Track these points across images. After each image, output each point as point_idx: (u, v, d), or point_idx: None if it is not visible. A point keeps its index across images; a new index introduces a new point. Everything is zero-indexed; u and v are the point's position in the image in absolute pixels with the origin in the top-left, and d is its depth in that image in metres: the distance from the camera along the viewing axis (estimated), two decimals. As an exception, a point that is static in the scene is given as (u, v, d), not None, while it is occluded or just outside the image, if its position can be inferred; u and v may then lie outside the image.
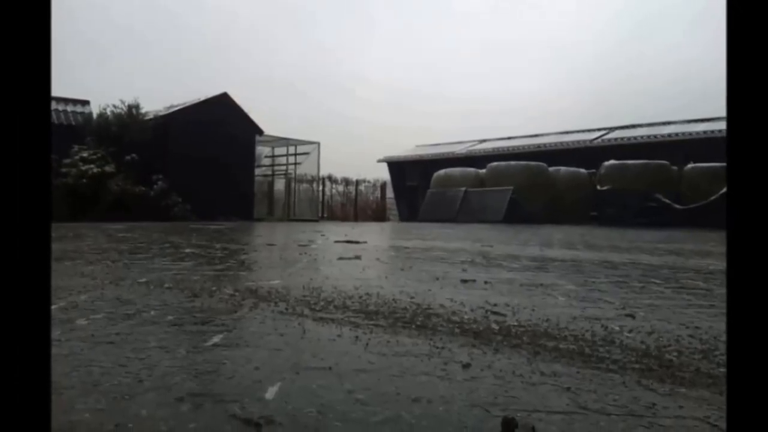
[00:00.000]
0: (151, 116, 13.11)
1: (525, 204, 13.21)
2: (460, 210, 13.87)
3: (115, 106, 12.88)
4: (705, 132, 16.31)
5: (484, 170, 14.91)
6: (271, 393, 0.92)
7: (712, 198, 10.55)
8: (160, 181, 11.86)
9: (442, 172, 15.79)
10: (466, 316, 1.58)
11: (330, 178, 19.42)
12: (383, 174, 22.64)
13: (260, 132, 14.57)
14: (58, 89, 12.86)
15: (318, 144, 17.41)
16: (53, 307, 1.59)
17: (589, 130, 19.98)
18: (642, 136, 17.72)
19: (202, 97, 13.79)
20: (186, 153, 12.30)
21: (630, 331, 1.44)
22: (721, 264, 3.28)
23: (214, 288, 1.98)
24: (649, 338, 1.37)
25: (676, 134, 17.04)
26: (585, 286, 2.26)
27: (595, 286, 2.27)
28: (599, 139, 18.53)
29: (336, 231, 6.56)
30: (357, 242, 4.63)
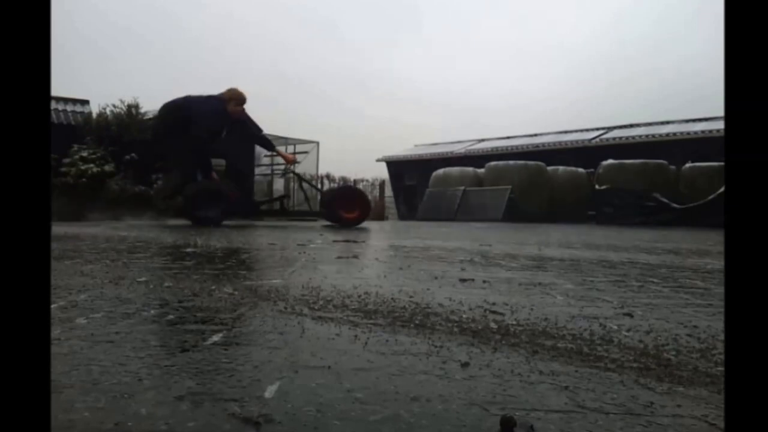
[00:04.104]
0: (150, 116, 13.11)
1: (523, 203, 13.21)
2: (458, 209, 13.87)
3: (114, 106, 12.88)
4: (703, 131, 16.32)
5: (482, 170, 14.91)
6: (270, 392, 0.92)
7: (711, 197, 10.56)
8: (160, 180, 11.85)
9: (440, 171, 15.80)
10: (464, 315, 1.58)
11: (329, 177, 19.43)
12: (382, 173, 22.62)
13: (260, 131, 14.53)
14: (58, 89, 12.84)
15: (317, 143, 17.41)
16: (53, 306, 1.59)
17: (587, 130, 20.00)
18: (640, 136, 17.74)
19: (202, 97, 13.76)
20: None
21: (628, 330, 1.45)
22: (719, 263, 3.29)
23: (213, 287, 1.98)
24: (647, 337, 1.38)
25: (675, 134, 17.06)
26: (583, 285, 2.27)
27: (593, 285, 2.27)
28: (597, 139, 18.54)
29: (335, 230, 6.56)
30: (356, 241, 4.63)
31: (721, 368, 1.11)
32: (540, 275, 2.58)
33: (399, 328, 1.42)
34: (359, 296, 1.85)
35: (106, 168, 11.69)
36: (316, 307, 1.66)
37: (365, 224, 7.96)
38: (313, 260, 3.06)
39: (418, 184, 19.43)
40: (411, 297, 1.86)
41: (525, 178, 13.73)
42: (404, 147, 24.28)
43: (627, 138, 17.54)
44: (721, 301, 1.93)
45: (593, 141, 18.11)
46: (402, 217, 20.17)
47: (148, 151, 12.03)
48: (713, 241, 5.61)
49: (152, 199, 9.01)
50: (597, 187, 12.72)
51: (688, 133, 16.41)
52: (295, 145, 17.61)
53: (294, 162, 8.80)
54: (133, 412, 0.83)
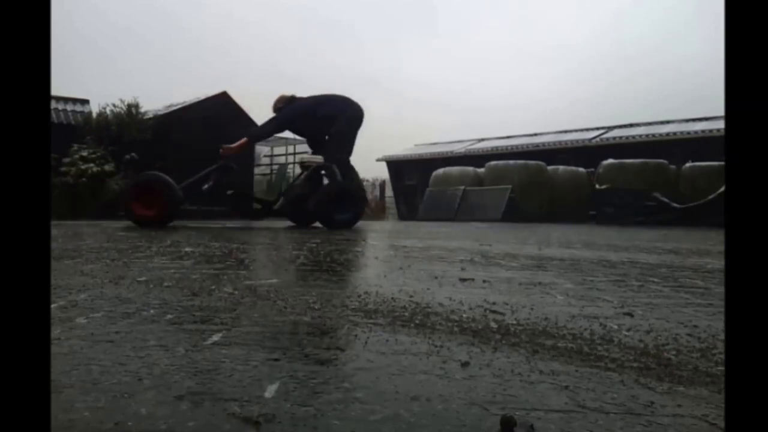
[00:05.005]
0: (150, 115, 13.12)
1: (523, 203, 13.21)
2: (458, 209, 13.87)
3: (114, 105, 12.88)
4: (703, 131, 16.31)
5: (482, 169, 14.90)
6: (270, 391, 0.92)
7: (711, 197, 10.56)
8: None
9: (440, 171, 15.79)
10: (464, 315, 1.58)
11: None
12: (382, 173, 22.63)
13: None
14: (58, 89, 12.83)
15: (317, 143, 17.40)
16: (53, 306, 1.59)
17: (587, 129, 19.98)
18: (640, 135, 17.72)
19: (202, 96, 13.79)
20: (185, 152, 12.29)
21: (628, 330, 1.45)
22: (719, 263, 3.29)
23: (213, 287, 1.98)
24: (647, 337, 1.38)
25: (675, 133, 17.05)
26: (583, 284, 2.27)
27: (593, 284, 2.27)
28: (597, 138, 18.53)
29: (335, 230, 6.56)
30: (356, 241, 4.63)
31: (721, 368, 1.11)
32: (540, 275, 2.58)
33: (399, 327, 1.42)
34: (359, 296, 1.85)
35: (106, 168, 11.69)
36: (315, 307, 1.66)
37: (365, 224, 7.95)
38: (313, 260, 3.06)
39: (418, 183, 19.42)
40: (411, 296, 1.86)
41: (525, 178, 13.73)
42: (404, 147, 24.27)
43: (627, 138, 17.53)
44: (721, 300, 1.93)
45: (593, 141, 18.10)
46: (402, 217, 20.16)
47: (148, 151, 12.04)
48: (713, 241, 5.61)
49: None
50: (597, 186, 12.72)
51: (688, 133, 16.40)
52: (295, 145, 17.62)
53: (224, 156, 7.06)
54: (133, 412, 0.83)
